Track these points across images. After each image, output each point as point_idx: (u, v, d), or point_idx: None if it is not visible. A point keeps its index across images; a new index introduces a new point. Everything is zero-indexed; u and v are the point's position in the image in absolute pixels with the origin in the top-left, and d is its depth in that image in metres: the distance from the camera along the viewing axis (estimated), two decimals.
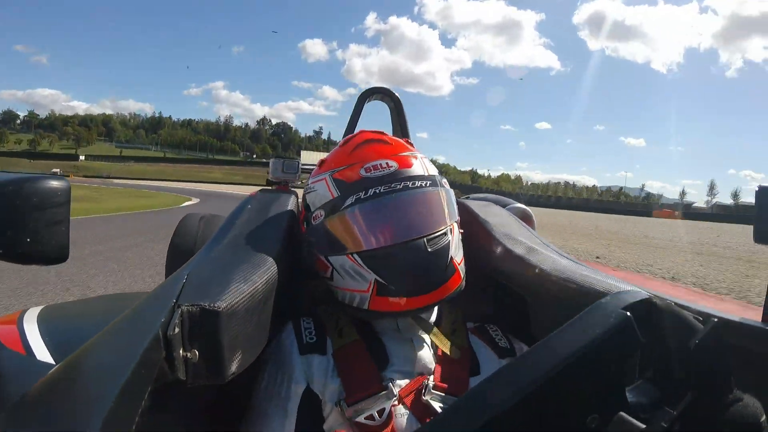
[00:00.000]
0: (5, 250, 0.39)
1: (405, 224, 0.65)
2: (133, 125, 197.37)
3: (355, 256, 0.65)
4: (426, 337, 0.69)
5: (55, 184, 0.42)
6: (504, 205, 1.24)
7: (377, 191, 0.65)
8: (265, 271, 0.60)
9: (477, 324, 0.76)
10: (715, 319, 0.44)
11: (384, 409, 0.59)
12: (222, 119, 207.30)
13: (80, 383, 0.32)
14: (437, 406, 0.61)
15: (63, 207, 0.42)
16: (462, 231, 0.74)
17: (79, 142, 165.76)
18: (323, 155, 0.78)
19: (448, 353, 0.67)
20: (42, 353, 0.70)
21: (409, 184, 0.67)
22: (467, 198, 1.33)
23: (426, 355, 0.66)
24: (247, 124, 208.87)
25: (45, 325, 0.79)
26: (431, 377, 0.64)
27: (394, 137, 0.76)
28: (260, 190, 1.09)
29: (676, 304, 0.53)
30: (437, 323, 0.71)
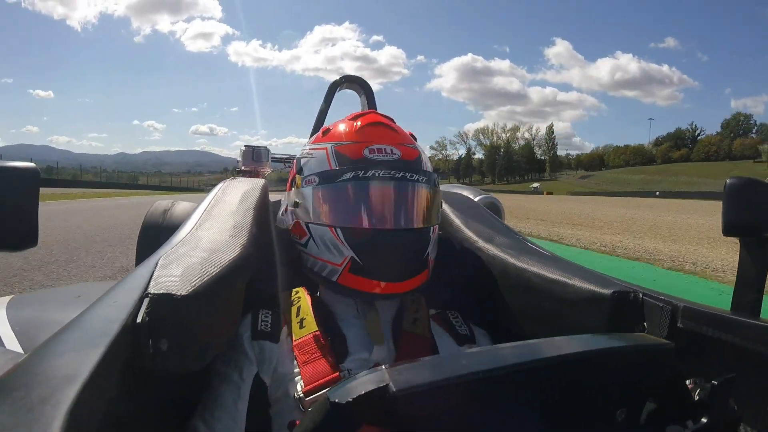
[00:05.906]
0: None
1: (395, 212, 0.66)
2: None
3: (338, 230, 0.66)
4: (386, 324, 0.69)
5: (22, 168, 0.40)
6: (473, 196, 1.26)
7: (377, 174, 0.66)
8: (234, 259, 0.59)
9: (438, 311, 0.77)
10: (682, 305, 0.47)
11: None
12: None
13: (48, 373, 0.32)
14: None
15: (31, 192, 0.40)
16: (440, 232, 0.75)
17: None
18: None
19: (408, 343, 0.68)
20: (11, 343, 0.69)
21: (408, 175, 0.67)
22: None
23: (385, 344, 0.67)
24: None
25: (14, 314, 0.78)
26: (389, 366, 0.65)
27: (400, 127, 0.75)
28: (231, 178, 1.08)
29: (644, 294, 0.55)
30: (400, 312, 0.72)
